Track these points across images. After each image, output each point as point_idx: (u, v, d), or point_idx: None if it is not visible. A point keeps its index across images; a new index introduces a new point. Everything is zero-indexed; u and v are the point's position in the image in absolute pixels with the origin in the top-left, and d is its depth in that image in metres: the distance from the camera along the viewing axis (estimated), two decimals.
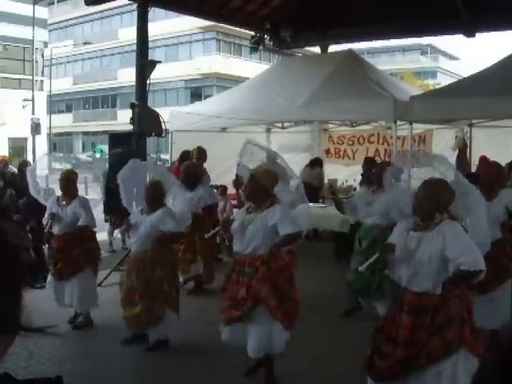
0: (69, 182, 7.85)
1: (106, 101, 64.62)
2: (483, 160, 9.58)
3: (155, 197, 6.95)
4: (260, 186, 5.71)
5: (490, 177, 6.93)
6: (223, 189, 12.24)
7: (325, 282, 9.78)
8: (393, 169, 6.84)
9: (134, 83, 10.91)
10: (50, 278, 7.98)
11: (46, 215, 7.97)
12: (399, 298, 4.65)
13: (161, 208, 6.91)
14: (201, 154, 10.70)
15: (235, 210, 10.64)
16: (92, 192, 9.29)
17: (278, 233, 5.59)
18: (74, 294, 7.75)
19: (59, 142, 64.80)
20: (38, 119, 39.63)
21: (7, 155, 22.42)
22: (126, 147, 10.22)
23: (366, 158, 10.93)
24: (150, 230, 6.81)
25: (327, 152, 14.96)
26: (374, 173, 7.90)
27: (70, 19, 64.95)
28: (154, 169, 8.13)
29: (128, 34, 43.32)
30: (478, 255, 4.33)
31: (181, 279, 9.41)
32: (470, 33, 12.64)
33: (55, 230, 7.89)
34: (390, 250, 4.60)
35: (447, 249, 4.35)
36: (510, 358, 1.03)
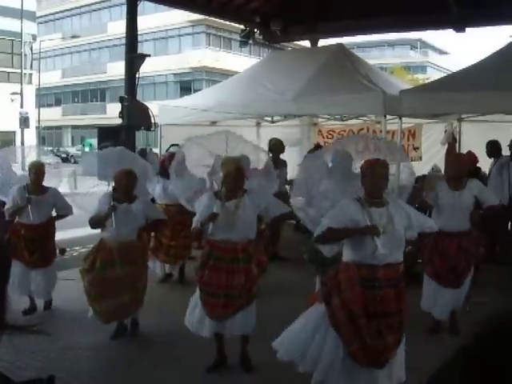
0: (40, 173, 7.99)
1: (95, 94, 64.43)
2: (474, 156, 9.68)
3: (132, 185, 6.92)
4: (243, 177, 5.93)
5: (458, 168, 7.06)
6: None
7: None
8: None
9: (123, 77, 10.88)
10: (19, 266, 7.92)
11: (9, 203, 7.98)
12: (366, 277, 4.74)
13: (140, 196, 6.97)
14: (277, 145, 11.38)
15: None
16: (80, 186, 9.22)
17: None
18: (41, 284, 8.06)
19: (48, 136, 64.63)
20: (27, 113, 39.38)
21: None
22: (115, 141, 10.18)
23: None
24: (134, 219, 6.83)
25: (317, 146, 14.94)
26: None
27: (59, 12, 64.76)
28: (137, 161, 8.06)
29: (117, 27, 43.22)
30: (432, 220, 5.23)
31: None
32: (459, 28, 12.64)
33: (27, 218, 7.89)
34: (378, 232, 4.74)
35: (412, 218, 4.90)
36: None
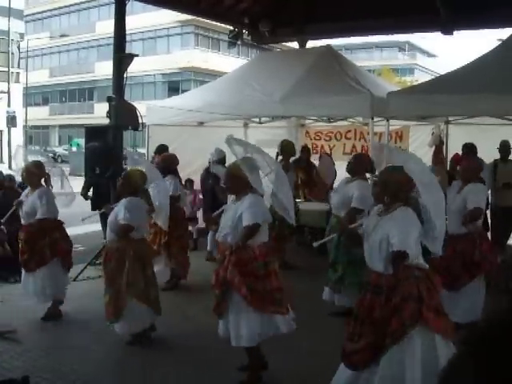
0: (27, 174, 7.92)
1: (82, 94, 64.22)
2: (459, 157, 9.71)
3: (122, 188, 7.03)
4: (236, 178, 5.83)
5: (471, 172, 7.10)
6: (190, 183, 12.27)
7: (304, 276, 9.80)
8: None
9: (111, 76, 10.84)
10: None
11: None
12: (367, 278, 4.86)
13: (124, 199, 6.96)
14: (289, 147, 11.02)
15: None
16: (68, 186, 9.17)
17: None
18: (39, 285, 7.79)
19: (35, 135, 64.35)
20: (14, 112, 39.27)
21: None
22: (103, 141, 10.15)
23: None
24: (112, 221, 6.86)
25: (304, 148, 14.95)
26: (349, 163, 7.98)
27: (47, 11, 64.52)
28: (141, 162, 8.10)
29: (105, 26, 43.08)
30: (408, 237, 4.53)
31: None
32: (447, 30, 12.69)
33: (22, 220, 7.93)
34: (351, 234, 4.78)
35: (391, 236, 4.56)
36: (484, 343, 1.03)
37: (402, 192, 4.74)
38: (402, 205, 4.71)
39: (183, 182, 10.93)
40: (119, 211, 6.79)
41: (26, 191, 8.04)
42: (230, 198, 6.24)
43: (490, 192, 9.86)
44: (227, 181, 5.95)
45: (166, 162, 9.67)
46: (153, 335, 7.04)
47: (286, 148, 10.86)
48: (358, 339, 4.66)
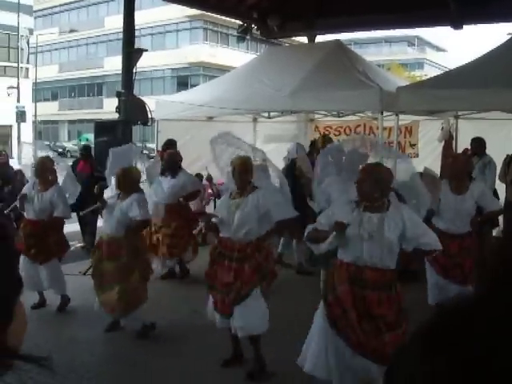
0: (43, 168, 7.91)
1: (92, 89, 64.32)
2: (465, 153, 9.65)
3: (127, 183, 7.00)
4: (249, 171, 5.90)
5: (457, 169, 7.05)
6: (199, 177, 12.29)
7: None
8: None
9: (120, 71, 10.87)
10: (24, 260, 7.85)
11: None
12: (354, 275, 4.77)
13: (132, 194, 6.97)
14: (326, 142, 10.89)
15: None
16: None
17: (268, 218, 5.82)
18: (50, 279, 7.93)
19: (45, 130, 64.52)
20: (24, 107, 39.40)
21: None
22: (112, 136, 10.18)
23: None
24: (121, 216, 6.87)
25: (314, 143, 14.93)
26: None
27: (56, 6, 64.60)
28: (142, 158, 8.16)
29: (115, 22, 43.11)
30: (436, 236, 4.87)
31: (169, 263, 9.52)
32: (457, 25, 12.64)
33: (28, 213, 7.93)
34: (342, 228, 4.72)
35: (408, 229, 4.68)
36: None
37: (390, 187, 4.88)
38: (388, 200, 4.81)
39: None
40: (131, 207, 6.86)
41: (29, 185, 8.04)
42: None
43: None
44: (243, 171, 5.89)
45: (175, 158, 9.65)
46: (161, 329, 7.09)
47: (321, 143, 10.91)
48: (378, 333, 4.67)
